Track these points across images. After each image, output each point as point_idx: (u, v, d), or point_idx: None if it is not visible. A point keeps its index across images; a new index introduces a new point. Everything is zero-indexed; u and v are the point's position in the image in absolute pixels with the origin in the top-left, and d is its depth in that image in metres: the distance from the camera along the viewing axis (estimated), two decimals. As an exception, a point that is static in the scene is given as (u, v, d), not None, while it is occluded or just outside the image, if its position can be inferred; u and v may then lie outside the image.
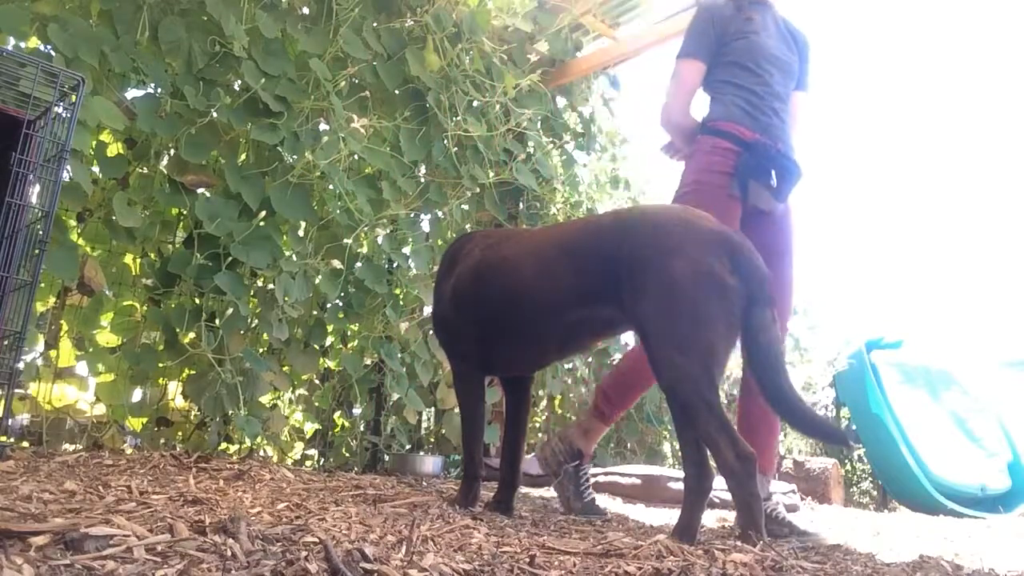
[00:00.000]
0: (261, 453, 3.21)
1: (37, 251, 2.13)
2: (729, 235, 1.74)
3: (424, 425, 3.93)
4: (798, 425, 1.72)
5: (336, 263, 3.22)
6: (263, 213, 2.98)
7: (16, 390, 2.46)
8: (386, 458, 3.52)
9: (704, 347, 1.66)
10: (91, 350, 2.88)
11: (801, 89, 2.61)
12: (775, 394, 1.67)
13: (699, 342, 1.66)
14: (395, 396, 3.49)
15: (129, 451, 2.76)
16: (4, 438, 2.23)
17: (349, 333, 3.47)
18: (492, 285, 2.07)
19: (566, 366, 4.34)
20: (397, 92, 3.50)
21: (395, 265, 3.47)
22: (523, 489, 2.97)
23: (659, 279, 1.69)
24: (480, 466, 2.14)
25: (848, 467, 5.43)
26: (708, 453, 1.68)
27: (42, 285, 2.58)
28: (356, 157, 3.20)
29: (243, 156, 3.07)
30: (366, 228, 3.23)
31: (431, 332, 3.57)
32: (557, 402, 4.49)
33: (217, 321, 2.86)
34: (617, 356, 4.60)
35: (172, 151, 2.89)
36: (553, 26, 4.09)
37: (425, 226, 3.78)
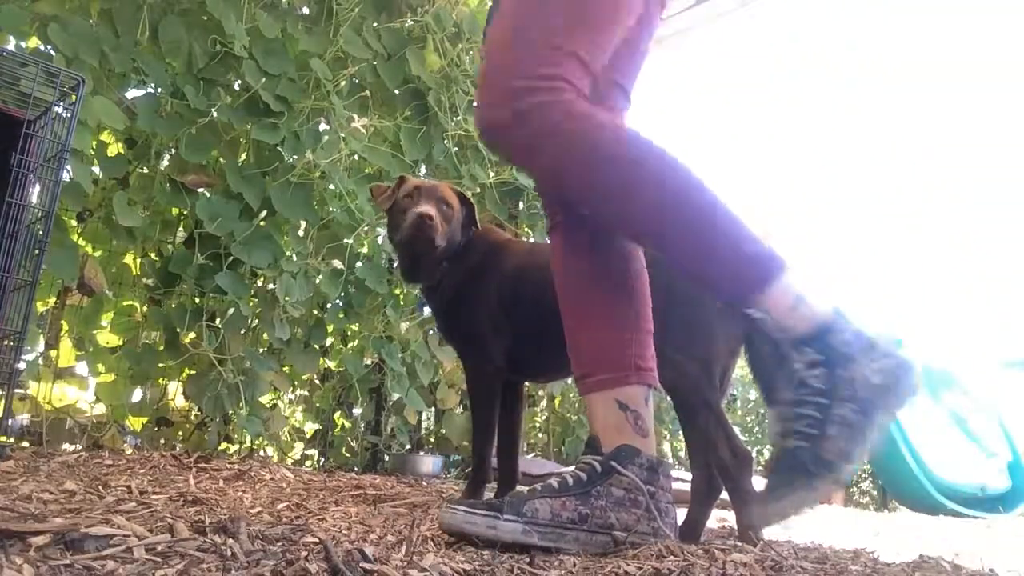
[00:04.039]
0: (261, 453, 3.21)
1: (37, 251, 2.13)
2: None
3: (424, 425, 3.93)
4: None
5: (337, 263, 3.22)
6: (264, 213, 2.98)
7: (16, 390, 2.46)
8: (386, 458, 3.52)
9: (704, 347, 1.67)
10: (91, 350, 2.88)
11: None
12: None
13: (699, 341, 1.67)
14: (395, 396, 3.49)
15: (129, 451, 2.76)
16: (4, 438, 2.24)
17: (349, 333, 3.47)
18: (529, 289, 2.05)
19: (566, 366, 4.33)
20: (397, 92, 3.50)
21: (395, 265, 3.47)
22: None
23: (662, 279, 1.69)
24: (489, 470, 2.13)
25: (848, 467, 5.40)
26: None
27: (42, 284, 2.58)
28: (356, 157, 3.20)
29: (243, 156, 3.07)
30: (366, 228, 3.23)
31: (431, 332, 3.57)
32: (557, 402, 4.49)
33: (218, 321, 2.86)
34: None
35: (172, 151, 2.89)
36: (553, 26, 4.08)
37: (425, 226, 3.78)
